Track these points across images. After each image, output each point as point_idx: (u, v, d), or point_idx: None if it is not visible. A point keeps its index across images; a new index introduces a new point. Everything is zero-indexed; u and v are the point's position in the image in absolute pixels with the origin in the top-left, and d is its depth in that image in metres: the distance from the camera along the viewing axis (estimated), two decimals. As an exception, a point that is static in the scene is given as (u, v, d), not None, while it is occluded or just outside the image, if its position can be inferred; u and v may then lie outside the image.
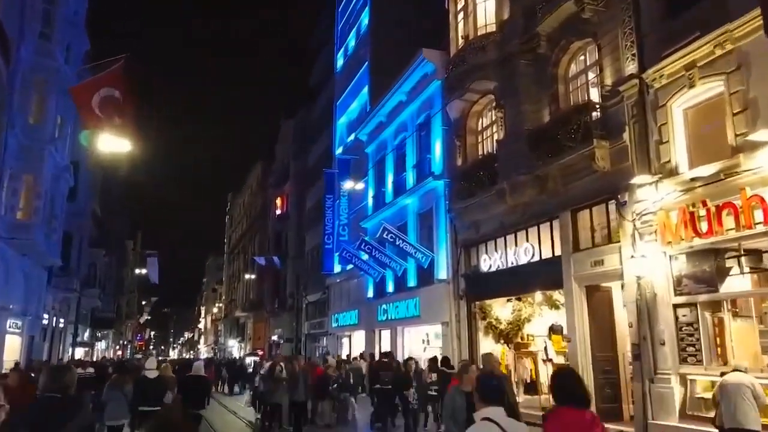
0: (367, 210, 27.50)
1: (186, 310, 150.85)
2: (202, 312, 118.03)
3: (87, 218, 42.36)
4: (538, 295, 16.88)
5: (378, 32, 29.38)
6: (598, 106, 13.22)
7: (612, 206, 13.26)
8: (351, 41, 33.49)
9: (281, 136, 52.80)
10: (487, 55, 16.86)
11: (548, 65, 15.26)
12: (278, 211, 49.89)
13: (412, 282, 22.17)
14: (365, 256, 24.50)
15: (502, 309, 18.20)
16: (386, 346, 24.23)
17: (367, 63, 29.53)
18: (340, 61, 35.27)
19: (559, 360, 17.76)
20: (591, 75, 14.52)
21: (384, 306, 24.27)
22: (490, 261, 17.82)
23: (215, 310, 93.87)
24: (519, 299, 17.41)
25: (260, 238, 55.38)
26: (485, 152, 18.18)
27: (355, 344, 28.71)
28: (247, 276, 53.42)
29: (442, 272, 19.84)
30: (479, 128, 18.87)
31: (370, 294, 26.44)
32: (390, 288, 24.25)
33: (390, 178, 25.16)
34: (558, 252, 14.95)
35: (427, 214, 21.53)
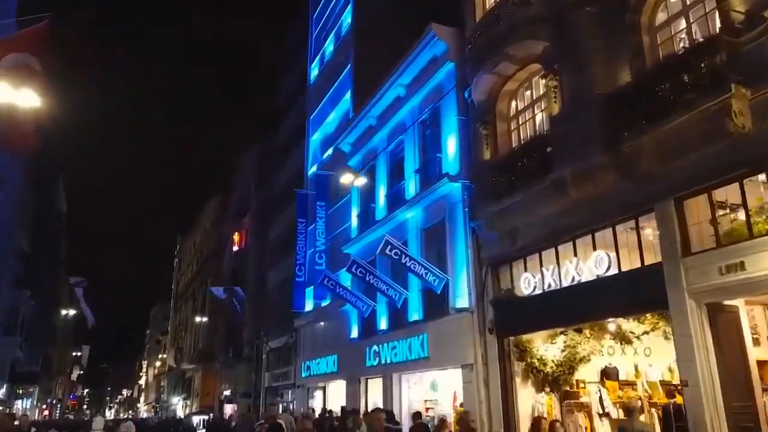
0: (349, 233, 22.90)
1: (125, 365, 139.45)
2: (144, 367, 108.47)
3: (7, 255, 36.44)
4: (611, 325, 12.58)
5: (362, 31, 25.57)
6: (727, 42, 9.28)
7: (749, 185, 9.24)
8: (329, 47, 29.59)
9: (241, 165, 48.03)
10: (532, 8, 12.96)
11: (625, 13, 11.43)
12: (235, 248, 44.60)
13: (415, 315, 17.49)
14: (348, 283, 19.84)
15: (547, 346, 13.75)
16: (376, 400, 19.26)
17: (350, 65, 25.53)
18: (314, 71, 31.25)
19: (618, 413, 13.43)
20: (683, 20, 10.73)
21: (375, 347, 19.40)
22: (533, 281, 13.43)
23: (158, 363, 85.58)
24: (579, 331, 13.01)
25: (213, 280, 49.56)
26: (527, 137, 14.02)
27: (331, 398, 23.48)
28: (198, 319, 47.14)
29: (462, 300, 15.32)
30: (512, 112, 14.79)
31: (354, 334, 21.53)
32: (383, 324, 19.46)
33: (382, 192, 20.75)
34: (652, 259, 10.75)
35: (435, 228, 17.12)
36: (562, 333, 13.24)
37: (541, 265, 13.39)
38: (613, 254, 11.48)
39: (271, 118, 41.27)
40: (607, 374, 14.30)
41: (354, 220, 22.69)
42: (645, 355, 14.35)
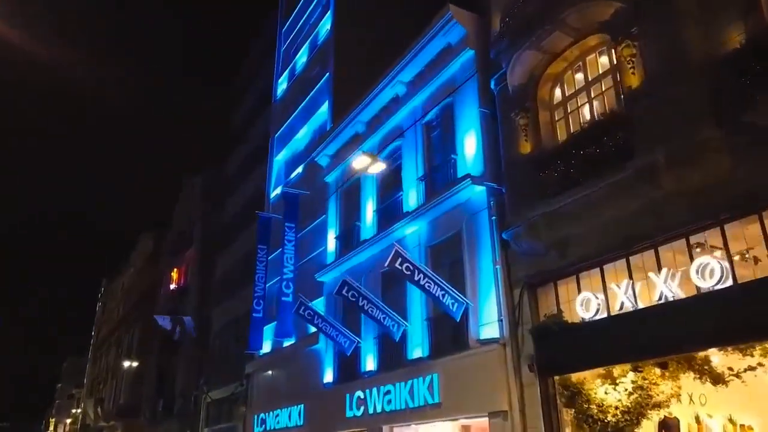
0: (324, 258, 19.54)
1: (31, 424, 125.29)
2: (52, 425, 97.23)
3: None
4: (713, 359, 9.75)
5: (342, 39, 23.04)
6: None
7: None
8: (301, 59, 26.84)
9: (184, 196, 43.77)
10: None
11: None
12: (173, 286, 39.83)
13: (418, 350, 14.18)
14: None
15: (608, 387, 10.75)
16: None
17: (328, 74, 22.79)
18: (282, 86, 28.29)
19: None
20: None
21: (359, 393, 15.81)
22: (595, 302, 10.54)
23: (69, 420, 76.51)
24: (664, 366, 10.11)
25: (143, 325, 44.09)
26: (582, 125, 11.37)
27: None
28: (126, 363, 41.32)
29: (489, 329, 12.23)
30: (556, 100, 12.23)
31: (329, 378, 17.85)
32: (370, 365, 15.97)
33: (370, 208, 17.65)
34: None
35: (447, 244, 14.12)
36: (636, 370, 10.30)
37: (604, 283, 10.55)
38: (725, 263, 8.78)
39: (222, 143, 37.81)
40: (668, 427, 11.43)
41: (331, 244, 19.38)
42: (701, 404, 11.61)
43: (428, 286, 12.52)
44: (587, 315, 10.64)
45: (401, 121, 16.83)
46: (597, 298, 10.53)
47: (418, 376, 13.67)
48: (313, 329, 19.12)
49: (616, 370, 10.59)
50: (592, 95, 11.46)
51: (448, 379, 12.85)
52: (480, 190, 13.10)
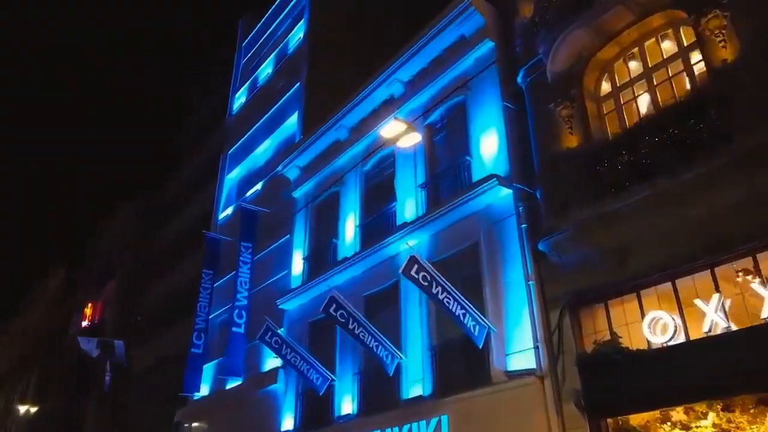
0: (287, 282, 16.77)
1: None
2: None
3: None
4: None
5: (316, 46, 21.12)
6: None
7: None
8: (265, 70, 24.56)
9: (109, 225, 39.46)
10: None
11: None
12: (85, 323, 35.06)
13: (417, 388, 11.58)
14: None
15: (680, 432, 8.62)
16: None
17: (299, 84, 20.62)
18: (240, 100, 25.78)
19: None
20: None
21: (332, 443, 12.91)
22: (672, 324, 8.49)
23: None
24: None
25: (45, 371, 38.46)
26: (656, 108, 9.58)
27: None
28: (22, 408, 35.39)
29: (521, 358, 9.91)
30: (603, 91, 10.51)
31: (288, 425, 14.76)
32: (347, 407, 13.14)
33: (351, 223, 15.23)
34: None
35: (457, 259, 11.84)
36: (727, 410, 8.22)
37: (679, 299, 8.58)
38: None
39: (161, 165, 34.50)
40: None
41: (297, 266, 16.67)
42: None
43: (447, 302, 10.15)
44: (659, 339, 8.57)
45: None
46: (674, 320, 8.49)
47: (419, 419, 11.03)
48: (268, 366, 16.20)
49: (693, 410, 8.49)
50: (655, 82, 9.80)
51: (463, 423, 10.32)
52: (505, 194, 11.07)
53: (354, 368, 13.42)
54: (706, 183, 8.11)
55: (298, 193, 17.94)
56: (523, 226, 10.67)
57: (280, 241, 18.06)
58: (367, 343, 11.66)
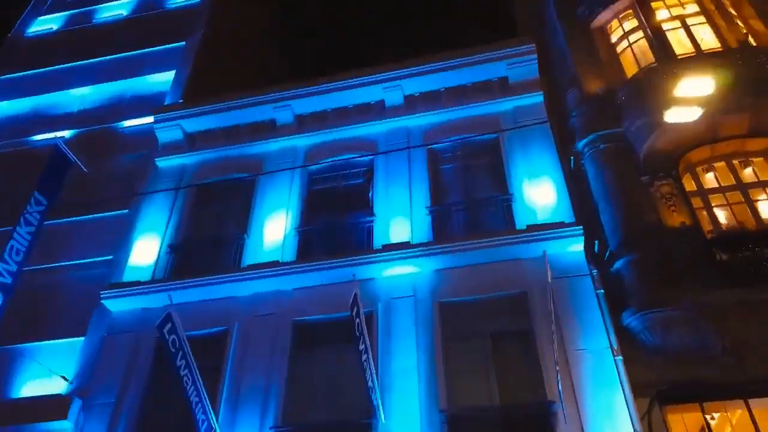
0: (114, 273, 10.94)
1: None
2: None
3: None
4: None
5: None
6: None
7: None
8: (113, 10, 18.42)
9: None
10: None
11: None
12: None
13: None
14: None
15: None
16: None
17: (187, 43, 15.87)
18: (48, 25, 18.54)
19: None
20: None
21: None
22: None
23: None
24: None
25: None
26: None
27: None
28: None
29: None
30: (709, 184, 10.03)
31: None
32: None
33: (280, 223, 10.99)
34: None
35: (488, 306, 9.13)
36: None
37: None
38: None
39: None
40: None
41: (144, 255, 11.12)
42: None
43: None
44: (795, 456, 7.41)
45: (379, 132, 11.95)
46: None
47: None
48: (49, 389, 9.77)
49: None
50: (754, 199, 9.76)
51: None
52: (573, 249, 9.29)
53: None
54: None
55: (167, 162, 12.69)
56: (600, 291, 8.90)
57: (108, 214, 12.11)
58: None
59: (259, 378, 9.11)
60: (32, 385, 10.01)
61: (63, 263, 11.57)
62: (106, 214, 12.12)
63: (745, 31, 11.22)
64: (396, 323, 9.24)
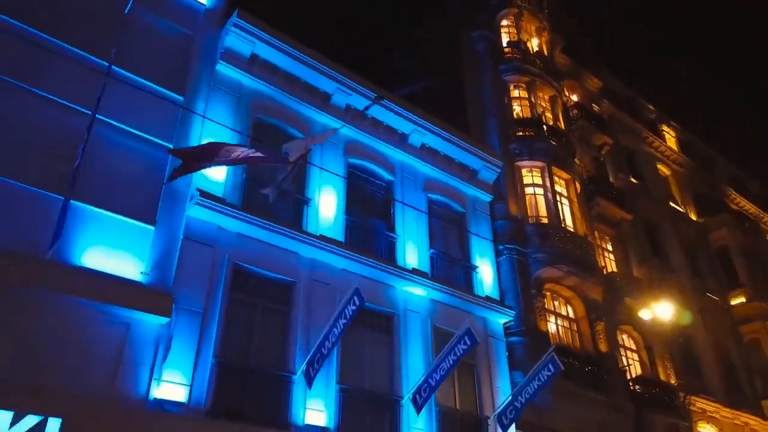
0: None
1: None
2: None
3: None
4: None
5: None
6: None
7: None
8: None
9: None
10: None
11: None
12: None
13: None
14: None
15: None
16: None
17: None
18: None
19: None
20: None
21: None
22: None
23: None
24: None
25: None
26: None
27: None
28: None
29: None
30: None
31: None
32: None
33: (332, 201, 12.67)
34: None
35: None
36: None
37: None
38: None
39: None
40: None
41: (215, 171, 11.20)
42: None
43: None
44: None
45: (397, 159, 14.81)
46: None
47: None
48: (121, 270, 9.66)
49: None
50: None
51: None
52: (499, 320, 14.54)
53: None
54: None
55: (227, 71, 12.39)
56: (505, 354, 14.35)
57: (162, 90, 11.18)
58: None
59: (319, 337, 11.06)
60: (102, 258, 9.27)
61: (126, 127, 10.40)
62: (161, 89, 11.19)
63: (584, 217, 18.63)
64: (411, 330, 12.65)
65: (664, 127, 28.76)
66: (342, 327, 9.96)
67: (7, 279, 8.13)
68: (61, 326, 8.56)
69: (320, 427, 10.39)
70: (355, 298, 9.83)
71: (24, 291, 8.42)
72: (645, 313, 15.76)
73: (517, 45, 20.48)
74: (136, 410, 8.68)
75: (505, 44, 20.69)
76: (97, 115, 8.96)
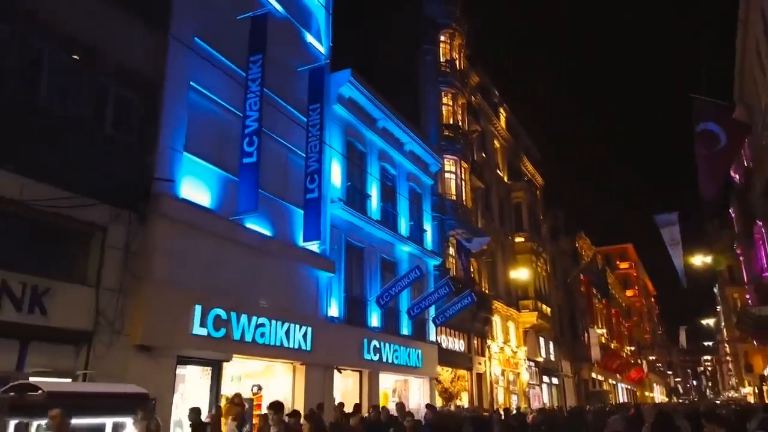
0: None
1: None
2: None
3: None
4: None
5: None
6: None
7: None
8: None
9: None
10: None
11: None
12: None
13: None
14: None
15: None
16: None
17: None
18: None
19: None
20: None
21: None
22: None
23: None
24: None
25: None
26: None
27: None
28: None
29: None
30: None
31: (333, 311, 17.60)
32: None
33: (374, 192, 21.12)
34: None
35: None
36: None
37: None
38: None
39: None
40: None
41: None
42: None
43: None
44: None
45: (398, 168, 23.45)
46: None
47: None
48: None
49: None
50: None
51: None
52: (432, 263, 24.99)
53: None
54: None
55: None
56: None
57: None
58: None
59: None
60: (309, 244, 16.99)
61: (285, 142, 17.53)
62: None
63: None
64: (401, 269, 22.36)
65: (501, 110, 40.45)
66: (404, 285, 19.23)
67: (279, 254, 15.61)
68: (294, 277, 16.38)
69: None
70: (417, 269, 19.16)
71: (285, 261, 16.00)
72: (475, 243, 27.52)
73: (450, 61, 29.20)
74: (322, 321, 17.15)
75: (441, 59, 29.18)
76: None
